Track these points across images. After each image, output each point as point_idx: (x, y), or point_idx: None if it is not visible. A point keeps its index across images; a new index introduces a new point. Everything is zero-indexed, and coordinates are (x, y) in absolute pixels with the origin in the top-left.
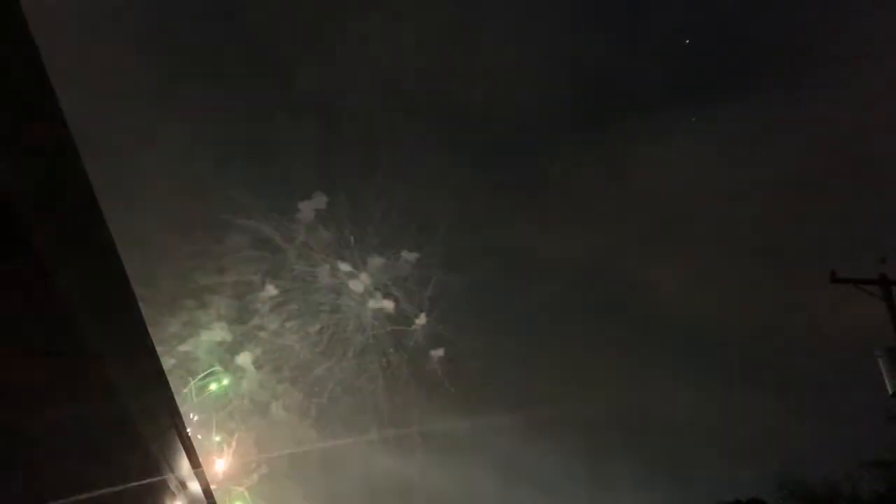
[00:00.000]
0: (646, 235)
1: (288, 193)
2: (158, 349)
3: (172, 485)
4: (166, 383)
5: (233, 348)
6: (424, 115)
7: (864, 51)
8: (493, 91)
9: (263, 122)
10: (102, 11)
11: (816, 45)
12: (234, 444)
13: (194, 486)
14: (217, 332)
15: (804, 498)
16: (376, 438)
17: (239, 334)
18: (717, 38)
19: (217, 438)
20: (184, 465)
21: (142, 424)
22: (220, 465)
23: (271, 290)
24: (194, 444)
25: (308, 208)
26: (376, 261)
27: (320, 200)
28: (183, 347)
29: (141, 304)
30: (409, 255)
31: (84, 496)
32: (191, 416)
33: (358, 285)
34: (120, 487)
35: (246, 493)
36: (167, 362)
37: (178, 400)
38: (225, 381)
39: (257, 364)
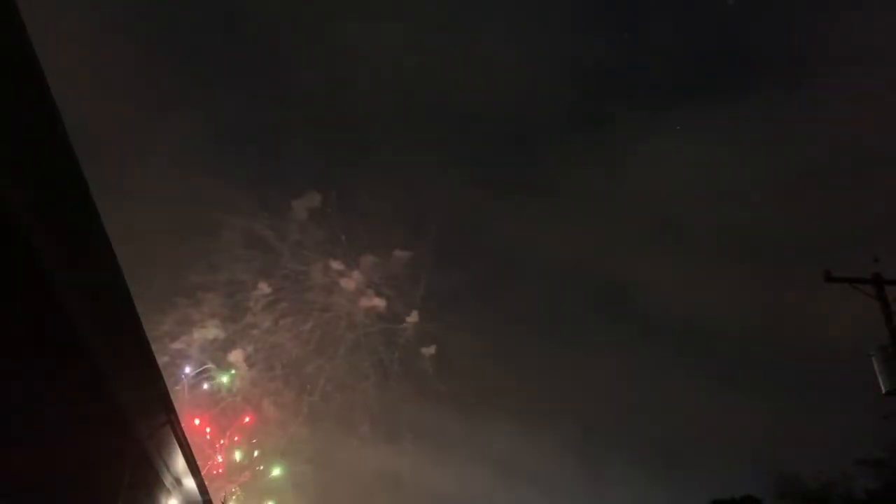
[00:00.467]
0: (642, 235)
1: (281, 192)
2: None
3: (167, 481)
4: (162, 380)
5: (225, 346)
6: (420, 114)
7: (863, 51)
8: (489, 90)
9: (257, 121)
10: (101, 12)
11: (816, 46)
12: (226, 441)
13: (189, 483)
14: (210, 330)
15: (799, 496)
16: (367, 435)
17: (231, 332)
18: (717, 37)
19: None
20: (179, 461)
21: (137, 421)
22: (213, 461)
23: (264, 288)
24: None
25: (301, 207)
26: (368, 259)
27: (313, 199)
28: (176, 345)
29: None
30: (401, 254)
31: (80, 492)
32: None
33: (350, 283)
34: (116, 483)
35: (239, 490)
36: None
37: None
38: (225, 378)
39: (249, 362)
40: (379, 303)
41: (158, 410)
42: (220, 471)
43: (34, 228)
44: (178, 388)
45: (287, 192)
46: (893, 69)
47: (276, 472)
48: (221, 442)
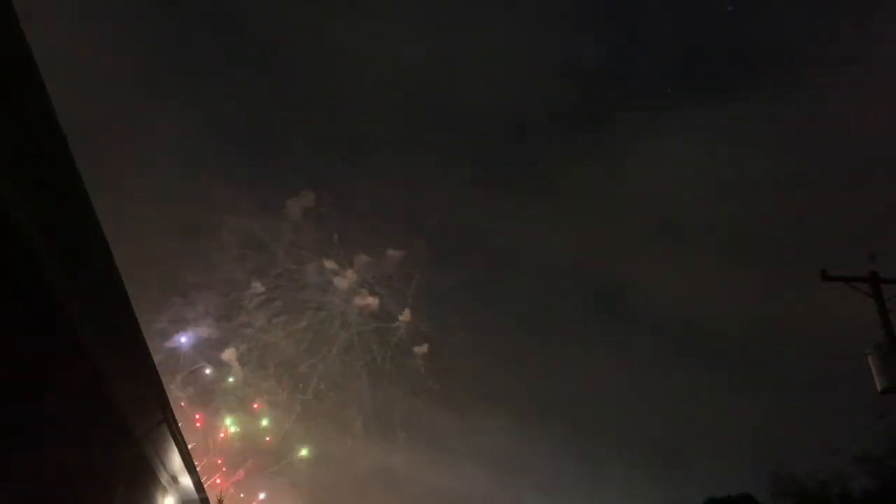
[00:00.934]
0: (642, 235)
1: (278, 192)
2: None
3: (164, 479)
4: (158, 379)
5: (219, 344)
6: (416, 113)
7: (863, 51)
8: (489, 90)
9: (253, 120)
10: (99, 11)
11: (816, 46)
12: (220, 439)
13: (185, 481)
14: (203, 329)
15: (795, 494)
16: (361, 433)
17: (225, 331)
18: (717, 37)
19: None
20: (175, 459)
21: (133, 420)
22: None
23: (258, 287)
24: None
25: (295, 206)
26: (362, 258)
27: (307, 198)
28: (170, 344)
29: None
30: (394, 253)
31: (78, 490)
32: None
33: (343, 283)
34: (113, 482)
35: (232, 488)
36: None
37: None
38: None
39: (243, 360)
40: (372, 302)
41: (154, 409)
42: (221, 473)
43: (31, 228)
44: (172, 385)
45: (284, 191)
46: (893, 69)
47: (304, 452)
48: (222, 435)
